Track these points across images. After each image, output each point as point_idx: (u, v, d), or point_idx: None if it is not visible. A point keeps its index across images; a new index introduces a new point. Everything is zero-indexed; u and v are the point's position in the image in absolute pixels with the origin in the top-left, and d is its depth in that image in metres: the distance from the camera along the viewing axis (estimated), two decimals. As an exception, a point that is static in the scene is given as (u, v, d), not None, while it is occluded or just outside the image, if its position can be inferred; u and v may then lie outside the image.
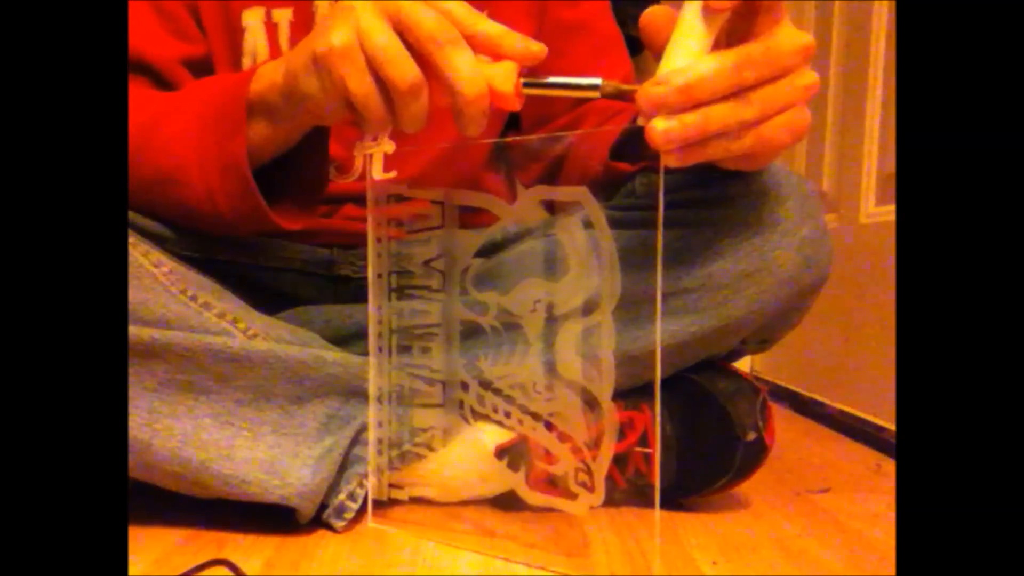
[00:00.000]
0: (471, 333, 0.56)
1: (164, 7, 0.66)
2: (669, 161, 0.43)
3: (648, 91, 0.41)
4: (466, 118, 0.45)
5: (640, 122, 0.42)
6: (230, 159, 0.53)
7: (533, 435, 0.52)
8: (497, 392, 0.54)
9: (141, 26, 0.64)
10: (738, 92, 0.42)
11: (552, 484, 0.52)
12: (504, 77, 0.45)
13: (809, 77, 0.44)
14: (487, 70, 0.45)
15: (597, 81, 0.45)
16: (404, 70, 0.45)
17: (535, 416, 0.52)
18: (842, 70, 1.13)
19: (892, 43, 0.99)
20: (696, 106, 0.41)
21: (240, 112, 0.52)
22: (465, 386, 0.56)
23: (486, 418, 0.55)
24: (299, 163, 0.57)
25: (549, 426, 0.51)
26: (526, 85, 0.46)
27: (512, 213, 0.51)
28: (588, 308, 0.47)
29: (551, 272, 0.51)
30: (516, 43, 0.45)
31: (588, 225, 0.46)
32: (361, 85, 0.46)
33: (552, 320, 0.50)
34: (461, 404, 0.56)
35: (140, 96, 0.58)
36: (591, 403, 0.47)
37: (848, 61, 1.11)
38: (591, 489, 0.47)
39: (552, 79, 0.46)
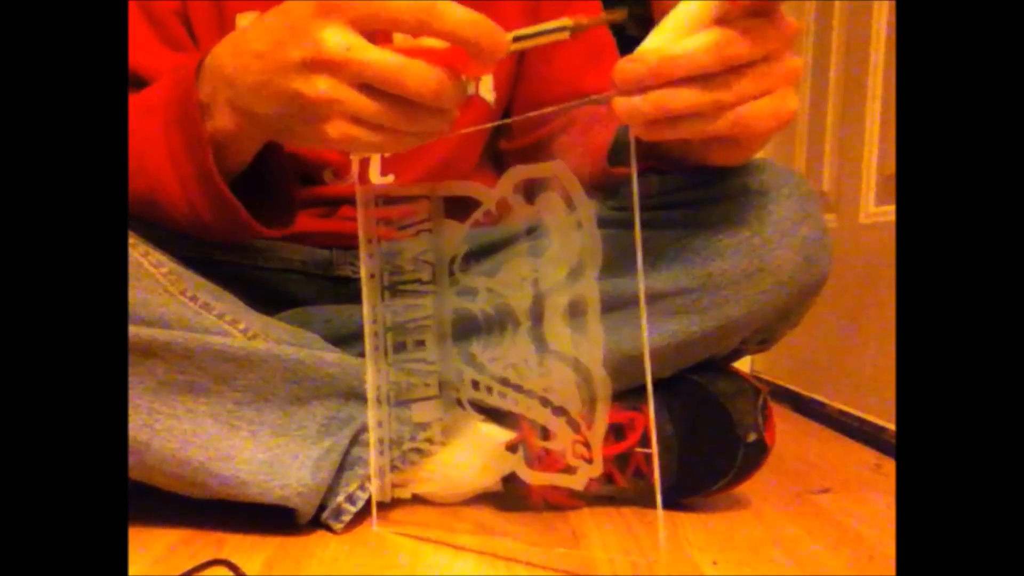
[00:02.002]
0: (464, 327, 0.56)
1: (155, 14, 0.65)
2: (637, 134, 0.43)
3: (622, 67, 0.42)
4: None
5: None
6: (203, 173, 0.52)
7: (529, 413, 0.52)
8: (491, 375, 0.54)
9: (135, 37, 0.64)
10: (718, 73, 0.42)
11: (551, 460, 0.52)
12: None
13: (792, 62, 0.44)
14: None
15: (567, 22, 0.43)
16: (420, 78, 0.43)
17: (530, 394, 0.52)
18: (842, 70, 1.13)
19: (892, 43, 0.99)
20: (671, 84, 0.41)
21: (199, 129, 0.51)
22: (460, 377, 0.56)
23: (482, 402, 0.55)
24: (267, 169, 0.57)
25: (545, 403, 0.51)
26: None
27: (493, 197, 0.51)
28: (573, 277, 0.48)
29: (536, 250, 0.51)
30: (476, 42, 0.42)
31: (579, 225, 0.46)
32: (380, 115, 0.44)
33: (539, 294, 0.51)
34: (459, 401, 0.56)
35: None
36: (583, 374, 0.47)
37: (848, 61, 1.11)
38: (590, 460, 0.47)
39: (521, 31, 0.44)
